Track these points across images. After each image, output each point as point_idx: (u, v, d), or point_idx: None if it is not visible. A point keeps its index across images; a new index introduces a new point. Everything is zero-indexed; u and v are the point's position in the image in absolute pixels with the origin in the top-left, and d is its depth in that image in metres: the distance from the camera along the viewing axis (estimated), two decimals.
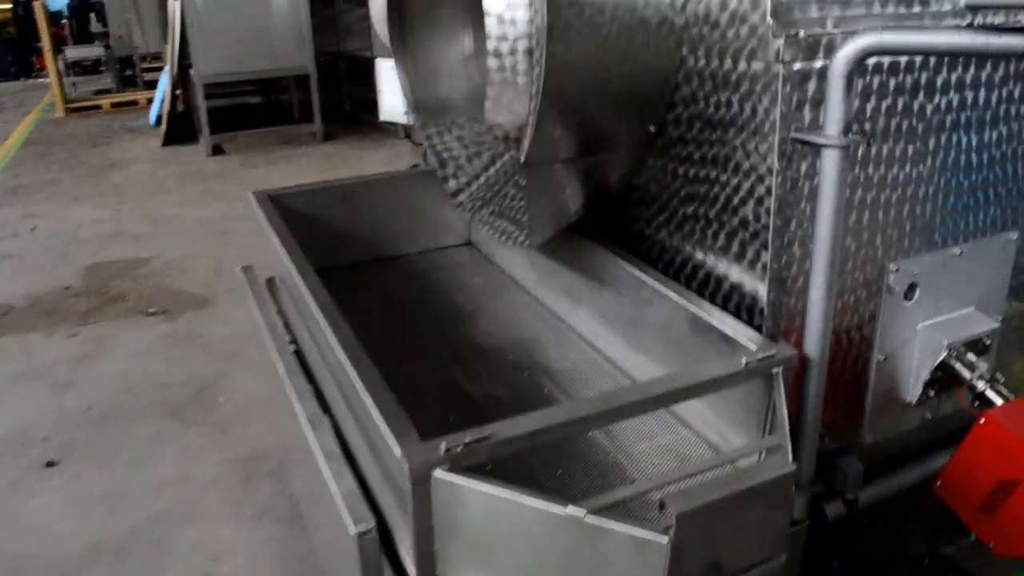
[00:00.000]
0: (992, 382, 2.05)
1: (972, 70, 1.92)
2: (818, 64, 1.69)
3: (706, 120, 1.91)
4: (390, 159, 8.52)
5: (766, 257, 1.81)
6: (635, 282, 2.05)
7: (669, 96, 2.00)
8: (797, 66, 1.67)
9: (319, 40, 9.28)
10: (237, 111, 10.44)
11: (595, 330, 2.29)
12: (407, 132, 8.99)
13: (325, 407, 1.92)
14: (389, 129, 9.61)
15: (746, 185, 1.83)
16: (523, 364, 2.28)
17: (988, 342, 2.13)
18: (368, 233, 2.98)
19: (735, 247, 1.91)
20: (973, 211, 2.08)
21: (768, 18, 1.67)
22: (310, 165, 8.23)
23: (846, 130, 1.64)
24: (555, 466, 1.83)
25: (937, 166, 1.97)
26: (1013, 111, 2.04)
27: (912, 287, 2.03)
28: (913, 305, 2.05)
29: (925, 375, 2.11)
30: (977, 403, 2.06)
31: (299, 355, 2.22)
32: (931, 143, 1.93)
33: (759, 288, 1.86)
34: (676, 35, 1.91)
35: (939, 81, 1.88)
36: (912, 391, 2.13)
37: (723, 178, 1.90)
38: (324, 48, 9.98)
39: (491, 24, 1.84)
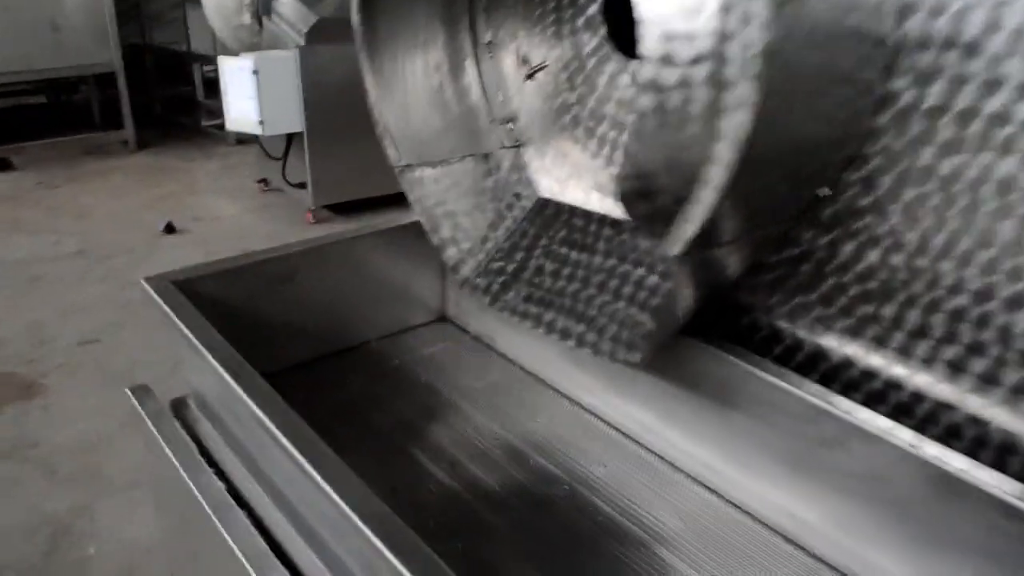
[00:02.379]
0: None
1: None
2: None
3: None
4: (225, 171, 7.37)
5: None
6: (806, 410, 1.42)
7: (858, 147, 1.39)
8: None
9: (121, 32, 7.94)
10: (17, 115, 8.74)
11: (710, 466, 1.64)
12: (241, 138, 7.86)
13: None
14: (214, 134, 8.42)
15: (1013, 287, 1.25)
16: (617, 528, 1.58)
17: None
18: (309, 321, 2.15)
19: (976, 367, 1.33)
20: None
21: None
22: (127, 182, 6.90)
23: None
24: None
25: None
26: None
27: None
28: None
29: None
30: None
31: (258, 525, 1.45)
32: None
33: (1018, 426, 1.30)
34: (886, 60, 1.30)
35: None
36: None
37: (960, 273, 1.31)
38: (126, 41, 8.58)
39: (652, 40, 1.13)
